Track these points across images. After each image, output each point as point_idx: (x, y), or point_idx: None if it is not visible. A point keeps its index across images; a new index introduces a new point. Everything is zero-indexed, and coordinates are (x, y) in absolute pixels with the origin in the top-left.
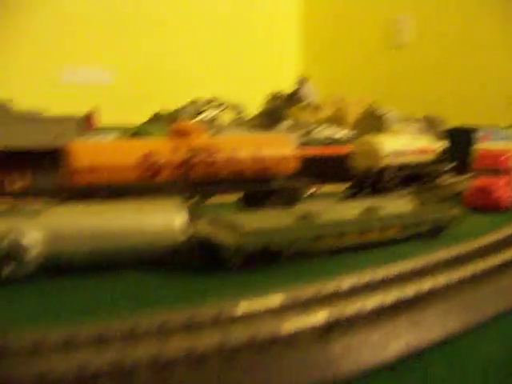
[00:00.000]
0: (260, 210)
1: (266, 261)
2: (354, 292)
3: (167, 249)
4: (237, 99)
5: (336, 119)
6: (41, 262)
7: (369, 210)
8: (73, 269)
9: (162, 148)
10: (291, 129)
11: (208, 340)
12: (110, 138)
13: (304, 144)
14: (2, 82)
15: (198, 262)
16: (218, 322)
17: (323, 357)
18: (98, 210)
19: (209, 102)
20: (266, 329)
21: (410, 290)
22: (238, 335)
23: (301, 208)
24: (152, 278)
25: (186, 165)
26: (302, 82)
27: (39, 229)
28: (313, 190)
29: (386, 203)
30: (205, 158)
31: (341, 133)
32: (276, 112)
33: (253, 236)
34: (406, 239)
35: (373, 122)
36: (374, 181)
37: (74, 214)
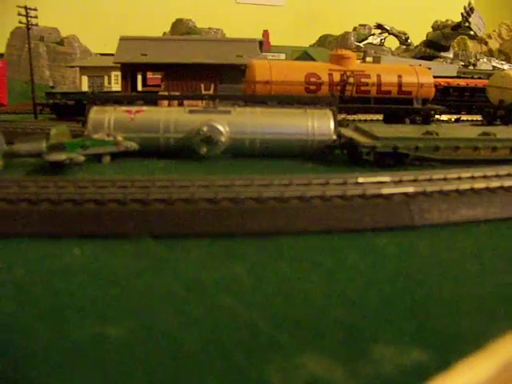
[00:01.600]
0: (396, 125)
1: (395, 161)
2: (438, 180)
3: (323, 144)
4: (402, 27)
5: (504, 51)
6: (226, 147)
7: (485, 133)
8: (247, 154)
9: (322, 69)
10: (454, 59)
11: (333, 192)
12: (281, 57)
13: (463, 74)
14: (187, 1)
15: (343, 156)
16: (343, 184)
17: (406, 211)
18: (272, 112)
19: (375, 27)
20: (371, 190)
21: (479, 185)
22: (353, 191)
23: (429, 126)
24: (306, 163)
25: (341, 84)
26: (469, 11)
27: (228, 123)
28: (449, 118)
29: (503, 130)
30: (356, 81)
31: (505, 66)
32: (440, 41)
33: (384, 140)
34: None
35: None
36: (506, 113)
37: (253, 114)
